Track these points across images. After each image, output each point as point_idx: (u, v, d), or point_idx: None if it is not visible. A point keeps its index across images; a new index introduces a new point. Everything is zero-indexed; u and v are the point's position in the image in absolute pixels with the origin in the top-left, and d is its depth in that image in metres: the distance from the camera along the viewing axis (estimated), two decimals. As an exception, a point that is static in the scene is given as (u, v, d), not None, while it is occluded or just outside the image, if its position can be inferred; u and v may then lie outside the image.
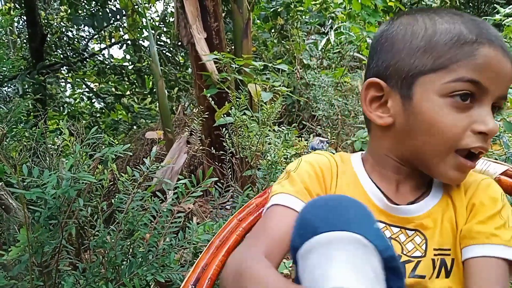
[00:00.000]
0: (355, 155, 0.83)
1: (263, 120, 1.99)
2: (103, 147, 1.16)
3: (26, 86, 5.52)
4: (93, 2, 6.07)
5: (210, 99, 2.36)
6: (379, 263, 0.53)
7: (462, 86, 0.65)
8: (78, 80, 7.29)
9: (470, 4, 7.61)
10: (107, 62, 6.93)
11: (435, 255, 0.71)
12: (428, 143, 0.69)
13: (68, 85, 7.83)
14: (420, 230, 0.72)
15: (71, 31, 7.25)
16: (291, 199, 0.72)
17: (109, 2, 6.00)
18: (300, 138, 2.50)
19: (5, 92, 4.97)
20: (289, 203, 0.72)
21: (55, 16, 7.05)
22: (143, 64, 6.62)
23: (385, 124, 0.73)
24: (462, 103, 0.66)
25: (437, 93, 0.67)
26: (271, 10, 4.37)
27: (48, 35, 6.44)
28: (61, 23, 7.11)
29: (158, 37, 6.22)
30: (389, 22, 0.76)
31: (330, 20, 4.65)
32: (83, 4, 6.26)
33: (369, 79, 0.73)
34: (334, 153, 0.87)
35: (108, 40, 7.47)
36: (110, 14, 5.68)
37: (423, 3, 6.46)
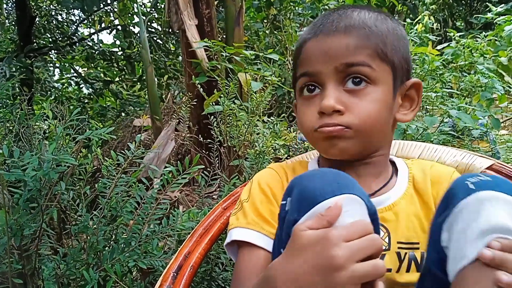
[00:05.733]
0: (314, 160, 0.86)
1: (252, 109, 1.97)
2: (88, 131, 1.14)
3: (14, 70, 5.42)
4: (84, -14, 5.95)
5: (199, 87, 2.34)
6: (368, 217, 0.59)
7: (302, 81, 0.76)
8: (66, 64, 7.17)
9: (463, 1, 7.64)
10: (96, 47, 6.82)
11: (399, 248, 0.72)
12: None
13: (56, 70, 7.71)
14: (382, 224, 0.73)
15: (61, 15, 7.12)
16: (246, 232, 0.76)
17: (100, -14, 5.89)
18: (289, 130, 2.49)
19: (-9, 75, 4.89)
20: (245, 237, 0.75)
21: (45, -1, 6.92)
22: (133, 50, 6.53)
23: None
24: (309, 95, 0.76)
25: (297, 94, 0.80)
26: (264, 0, 4.33)
27: (37, 18, 6.31)
28: (51, 6, 6.98)
29: (149, 23, 6.13)
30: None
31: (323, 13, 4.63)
32: (73, -13, 6.14)
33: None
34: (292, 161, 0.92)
35: (98, 25, 7.35)
36: (100, -2, 5.58)
37: (416, -2, 6.47)
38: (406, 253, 0.72)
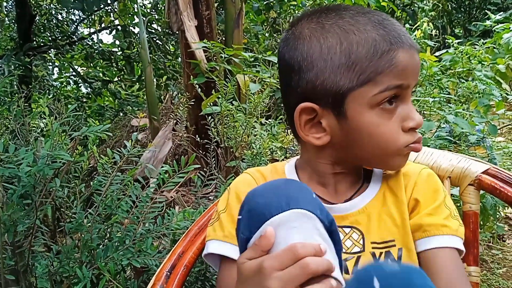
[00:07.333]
0: (290, 163, 0.85)
1: (250, 110, 1.97)
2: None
3: (12, 67, 5.41)
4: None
5: (198, 87, 2.34)
6: (324, 229, 0.59)
7: (390, 93, 0.69)
8: (65, 63, 7.16)
9: (462, 9, 7.67)
10: (95, 47, 6.82)
11: (373, 248, 0.73)
12: (372, 151, 0.72)
13: (55, 69, 7.71)
14: (355, 227, 0.75)
15: (61, 14, 7.13)
16: (222, 245, 0.76)
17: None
18: (286, 132, 2.49)
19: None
20: (221, 251, 0.76)
21: (45, -3, 6.92)
22: (133, 50, 6.53)
23: (323, 144, 0.73)
24: (390, 108, 0.70)
25: (368, 105, 0.69)
26: (264, 3, 4.34)
27: (37, 17, 6.31)
28: (51, 5, 6.98)
29: (149, 24, 6.14)
30: (295, 36, 0.73)
31: (323, 17, 4.63)
32: (74, -14, 6.15)
33: (301, 105, 0.72)
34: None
35: (98, 25, 7.36)
36: (100, -2, 5.59)
37: (415, 5, 6.49)
38: (381, 253, 0.73)
